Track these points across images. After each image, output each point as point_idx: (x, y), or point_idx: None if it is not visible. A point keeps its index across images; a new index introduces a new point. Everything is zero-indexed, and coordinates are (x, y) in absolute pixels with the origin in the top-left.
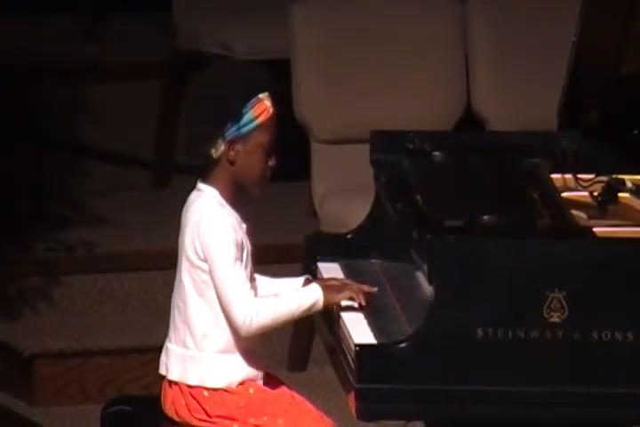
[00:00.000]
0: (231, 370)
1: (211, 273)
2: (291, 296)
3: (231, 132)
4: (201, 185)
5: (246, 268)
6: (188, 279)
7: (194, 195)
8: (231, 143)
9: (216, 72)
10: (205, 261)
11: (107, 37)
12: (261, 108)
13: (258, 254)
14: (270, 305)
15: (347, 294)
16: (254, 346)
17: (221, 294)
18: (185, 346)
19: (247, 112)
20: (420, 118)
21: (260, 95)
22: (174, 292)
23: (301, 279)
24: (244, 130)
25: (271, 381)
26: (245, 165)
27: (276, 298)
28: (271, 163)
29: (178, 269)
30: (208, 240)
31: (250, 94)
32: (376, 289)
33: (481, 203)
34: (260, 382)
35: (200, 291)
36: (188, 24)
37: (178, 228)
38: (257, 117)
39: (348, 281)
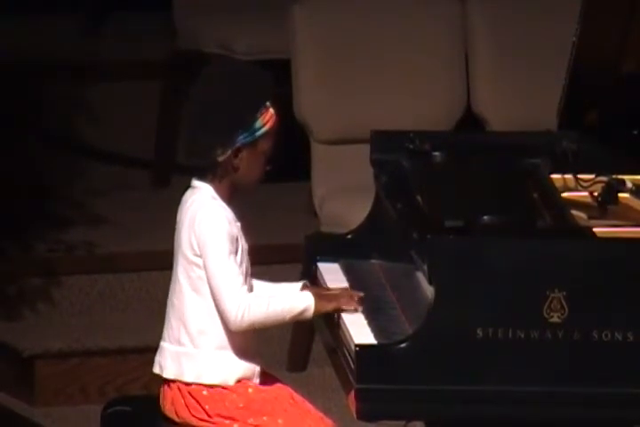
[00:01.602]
0: (227, 366)
1: (204, 266)
2: (284, 298)
3: (240, 139)
4: (195, 182)
5: (241, 265)
6: (184, 276)
7: (189, 192)
8: (238, 150)
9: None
10: (200, 256)
11: (107, 37)
12: (268, 115)
13: (258, 255)
14: (263, 302)
15: (337, 304)
16: (250, 342)
17: (214, 287)
18: (180, 343)
19: (257, 120)
20: (420, 118)
21: (266, 103)
22: (170, 291)
23: (299, 285)
24: (254, 137)
25: (271, 381)
26: (247, 171)
27: (269, 297)
28: (268, 168)
29: (174, 268)
30: (203, 232)
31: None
32: (363, 294)
33: (481, 203)
34: (257, 380)
35: (195, 287)
36: (188, 24)
37: None
38: (264, 125)
39: (347, 290)
